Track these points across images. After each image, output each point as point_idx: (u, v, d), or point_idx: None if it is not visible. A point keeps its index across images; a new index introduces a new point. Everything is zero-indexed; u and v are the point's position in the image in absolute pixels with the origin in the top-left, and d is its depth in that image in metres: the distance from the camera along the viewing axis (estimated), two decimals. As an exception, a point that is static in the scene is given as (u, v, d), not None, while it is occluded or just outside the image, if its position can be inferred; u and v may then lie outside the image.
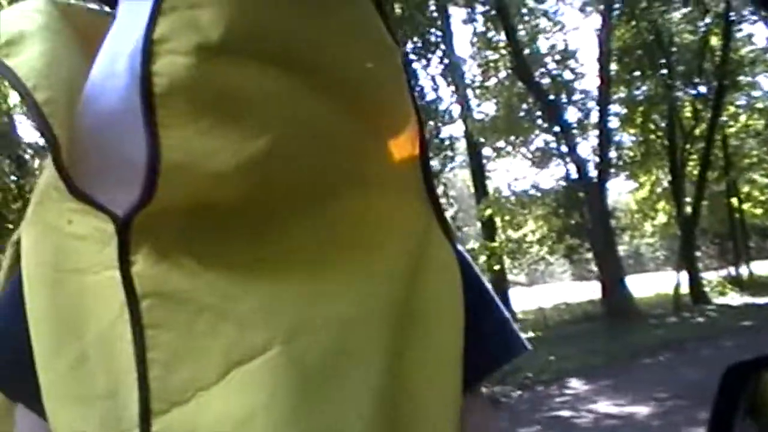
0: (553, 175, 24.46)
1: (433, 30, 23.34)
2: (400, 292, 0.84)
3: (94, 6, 0.99)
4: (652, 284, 29.34)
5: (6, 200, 18.58)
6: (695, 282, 24.43)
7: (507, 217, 23.78)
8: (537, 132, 24.10)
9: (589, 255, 24.54)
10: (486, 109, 25.49)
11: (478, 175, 24.77)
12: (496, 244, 22.85)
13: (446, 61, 23.47)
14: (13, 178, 19.62)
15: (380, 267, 0.84)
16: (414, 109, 0.86)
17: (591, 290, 25.07)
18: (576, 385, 11.62)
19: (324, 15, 0.76)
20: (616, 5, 21.99)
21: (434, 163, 24.33)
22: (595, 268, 24.09)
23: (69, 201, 0.81)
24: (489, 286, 0.96)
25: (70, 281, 0.80)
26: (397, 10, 21.77)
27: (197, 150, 0.73)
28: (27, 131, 16.07)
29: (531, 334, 20.89)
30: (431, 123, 23.89)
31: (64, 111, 0.79)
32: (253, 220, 0.79)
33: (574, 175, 21.77)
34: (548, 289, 36.08)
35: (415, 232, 0.87)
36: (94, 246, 0.80)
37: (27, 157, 18.59)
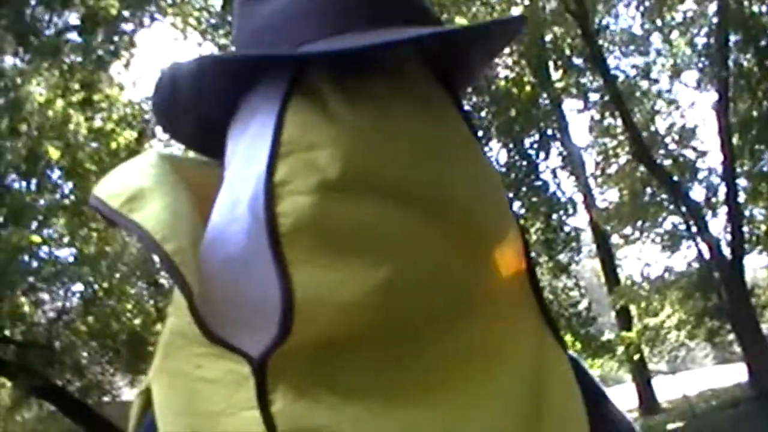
0: (686, 256, 23.61)
1: (549, 123, 23.47)
2: (529, 410, 0.82)
3: (194, 155, 1.03)
4: (802, 361, 27.99)
5: (146, 324, 19.17)
6: None
7: (642, 305, 23.13)
8: (664, 215, 23.45)
9: (732, 336, 23.51)
10: (609, 196, 25.01)
11: (608, 263, 24.38)
12: (632, 334, 22.25)
13: (565, 152, 23.52)
14: (151, 302, 20.28)
15: (507, 384, 0.82)
16: (516, 222, 0.88)
17: (737, 373, 24.02)
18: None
19: (434, 149, 0.80)
20: (731, 79, 21.55)
21: (562, 256, 24.26)
22: (739, 350, 23.03)
23: (196, 346, 0.82)
24: (600, 384, 0.97)
25: (206, 424, 0.80)
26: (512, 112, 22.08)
27: (325, 283, 0.75)
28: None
29: (679, 424, 20.14)
30: (554, 216, 23.86)
31: (192, 259, 0.81)
32: (380, 348, 0.79)
33: (707, 255, 21.03)
34: (691, 375, 34.81)
35: (533, 346, 0.87)
36: (225, 388, 0.80)
37: (163, 281, 19.21)
